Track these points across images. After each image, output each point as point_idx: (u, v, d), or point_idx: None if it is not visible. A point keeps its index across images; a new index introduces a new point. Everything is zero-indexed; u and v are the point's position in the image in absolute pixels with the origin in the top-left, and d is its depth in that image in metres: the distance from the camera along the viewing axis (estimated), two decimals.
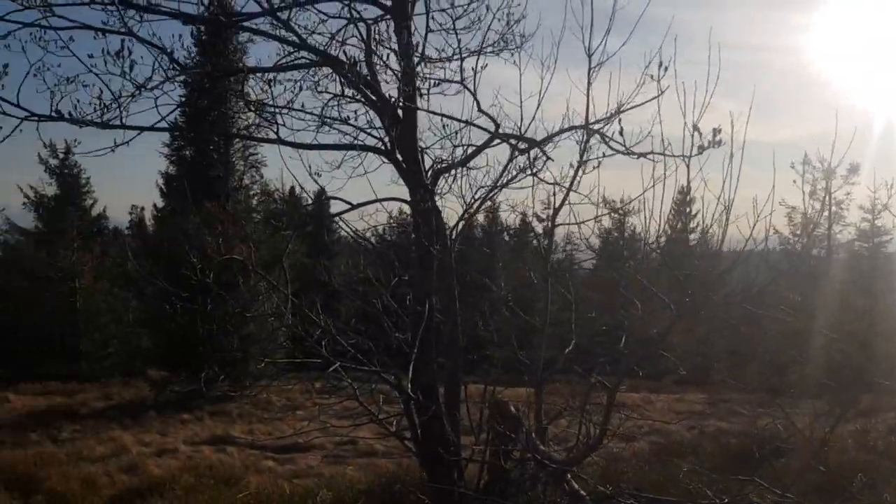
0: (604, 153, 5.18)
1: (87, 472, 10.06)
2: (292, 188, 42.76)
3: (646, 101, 4.71)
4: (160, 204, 42.52)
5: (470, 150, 6.56)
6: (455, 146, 6.02)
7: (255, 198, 22.82)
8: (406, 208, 7.79)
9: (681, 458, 9.77)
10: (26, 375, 24.23)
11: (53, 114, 6.19)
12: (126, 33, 5.51)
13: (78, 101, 6.14)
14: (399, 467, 8.67)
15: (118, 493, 8.69)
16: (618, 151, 5.02)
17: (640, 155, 4.73)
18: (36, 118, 6.28)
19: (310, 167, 6.63)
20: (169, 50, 5.75)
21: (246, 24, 6.77)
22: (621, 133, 4.70)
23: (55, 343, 26.97)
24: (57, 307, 27.47)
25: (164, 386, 18.07)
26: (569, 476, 5.73)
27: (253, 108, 6.41)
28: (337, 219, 6.97)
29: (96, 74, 6.19)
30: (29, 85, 5.98)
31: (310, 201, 44.03)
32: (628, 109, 4.79)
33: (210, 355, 17.27)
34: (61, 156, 30.99)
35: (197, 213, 18.10)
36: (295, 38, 6.65)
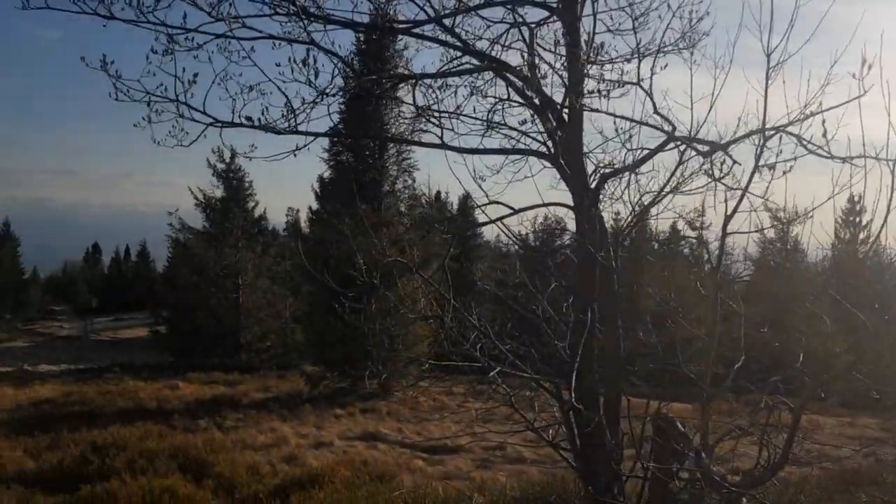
0: (795, 156, 4.81)
1: (251, 459, 10.61)
2: (438, 193, 43.60)
3: (847, 102, 4.32)
4: (315, 206, 44.80)
5: (639, 154, 6.32)
6: (628, 150, 5.79)
7: (404, 202, 23.31)
8: (557, 212, 7.66)
9: (857, 487, 9.01)
10: (193, 365, 26.07)
11: (237, 120, 6.57)
12: (309, 43, 5.75)
13: (267, 107, 6.50)
14: (553, 478, 8.53)
15: (281, 482, 9.08)
16: (817, 154, 4.63)
17: (844, 159, 4.35)
18: (220, 124, 6.66)
19: (474, 171, 6.65)
20: (347, 59, 5.96)
21: (415, 31, 6.90)
22: (824, 135, 4.34)
23: (219, 335, 28.81)
24: (221, 302, 29.37)
25: (319, 381, 18.81)
26: (744, 500, 5.39)
27: (421, 113, 6.49)
28: (500, 223, 6.94)
29: (275, 83, 6.51)
30: (212, 93, 6.37)
31: (455, 205, 44.59)
32: (827, 110, 4.40)
33: (362, 353, 17.82)
34: (227, 161, 33.03)
35: (352, 215, 18.76)
36: (459, 44, 6.71)
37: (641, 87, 5.63)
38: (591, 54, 5.91)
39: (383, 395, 18.10)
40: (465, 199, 46.57)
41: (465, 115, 6.81)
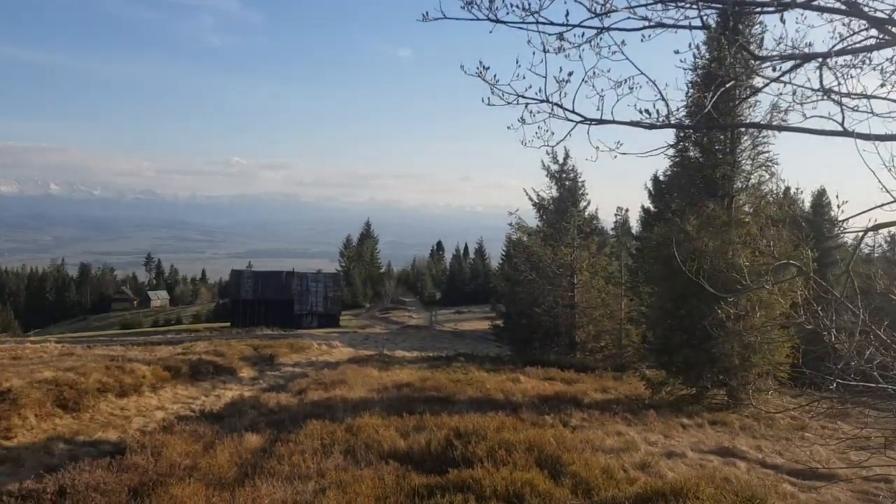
0: None
1: (603, 462, 10.42)
2: (787, 189, 39.99)
3: None
4: (647, 205, 43.88)
5: None
6: None
7: (758, 199, 21.56)
8: None
9: None
10: (530, 359, 26.96)
11: (606, 117, 6.42)
12: (702, 28, 5.37)
13: (639, 99, 6.28)
14: None
15: (641, 490, 8.73)
16: None
17: None
18: (589, 122, 6.56)
19: (893, 159, 5.68)
20: (746, 43, 5.47)
21: (814, 4, 6.13)
22: None
23: (555, 332, 29.49)
24: (557, 300, 30.02)
25: (660, 386, 18.16)
26: None
27: (826, 97, 5.72)
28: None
29: (646, 76, 6.24)
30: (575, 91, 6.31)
31: (807, 203, 40.50)
32: None
33: (708, 360, 16.81)
34: (561, 162, 33.74)
35: (698, 214, 17.80)
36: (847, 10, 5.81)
37: None
38: None
39: (733, 407, 16.87)
40: (820, 195, 42.15)
41: (876, 97, 5.91)
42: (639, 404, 17.21)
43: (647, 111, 5.43)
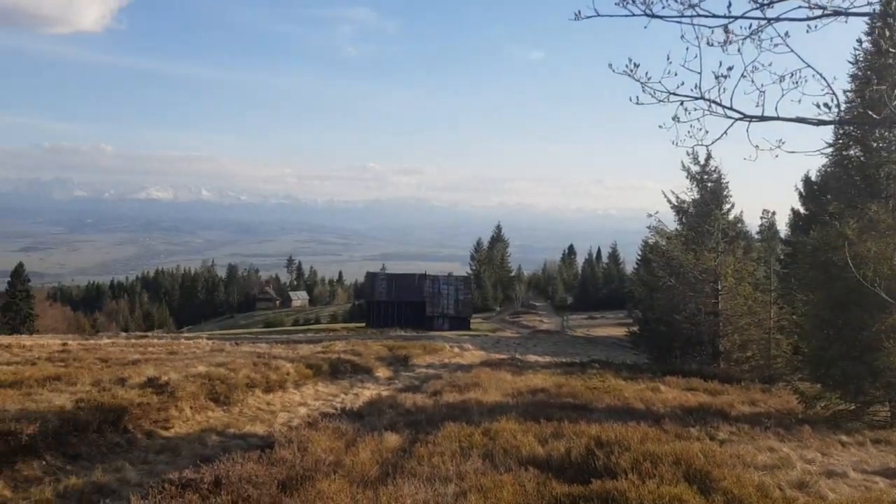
0: None
1: (757, 479, 9.80)
2: None
3: None
4: (797, 208, 41.36)
5: None
6: None
7: None
8: None
9: None
10: (670, 368, 25.98)
11: (768, 114, 6.02)
12: (888, 14, 4.93)
13: (804, 94, 5.88)
14: None
15: None
16: None
17: None
18: (749, 119, 6.18)
19: None
20: None
21: None
22: None
23: (697, 341, 28.26)
24: (699, 307, 28.75)
25: (815, 400, 16.97)
26: None
27: None
28: None
29: (814, 69, 5.81)
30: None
31: None
32: None
33: (870, 374, 15.54)
34: (702, 163, 32.38)
35: (859, 217, 16.54)
36: None
37: None
38: None
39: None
40: None
41: None
42: (791, 419, 16.14)
43: (826, 105, 5.00)
